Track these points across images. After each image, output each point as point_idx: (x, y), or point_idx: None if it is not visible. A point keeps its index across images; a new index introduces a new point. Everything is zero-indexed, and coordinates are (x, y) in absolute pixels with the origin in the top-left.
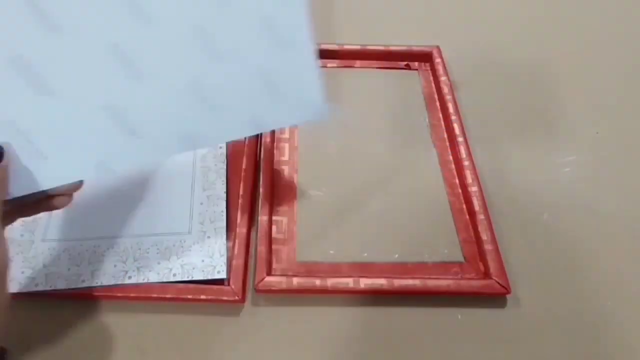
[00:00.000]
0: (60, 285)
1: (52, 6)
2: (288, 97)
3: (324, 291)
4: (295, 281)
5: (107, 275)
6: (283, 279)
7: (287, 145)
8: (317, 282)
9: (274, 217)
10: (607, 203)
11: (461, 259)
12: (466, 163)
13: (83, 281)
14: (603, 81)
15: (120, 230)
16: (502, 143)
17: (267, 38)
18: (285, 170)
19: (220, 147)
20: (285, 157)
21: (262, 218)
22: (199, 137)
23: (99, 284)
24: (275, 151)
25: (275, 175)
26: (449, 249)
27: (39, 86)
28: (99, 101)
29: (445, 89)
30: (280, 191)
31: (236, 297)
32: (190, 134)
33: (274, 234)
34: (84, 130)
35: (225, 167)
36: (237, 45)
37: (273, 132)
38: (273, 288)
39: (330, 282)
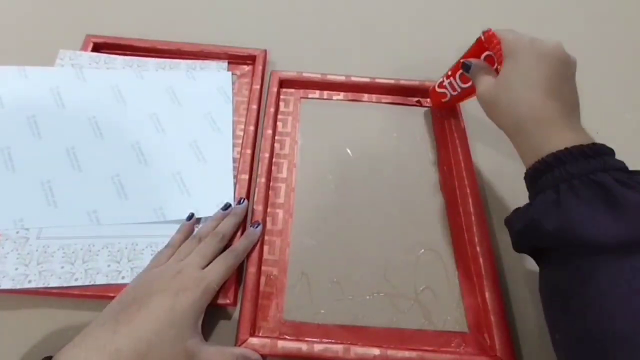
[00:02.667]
0: (54, 283)
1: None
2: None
3: (310, 357)
4: (280, 345)
5: (101, 274)
6: (267, 342)
7: (283, 186)
8: (304, 347)
9: (263, 268)
10: None
11: (465, 328)
12: (474, 218)
13: (76, 280)
14: (603, 81)
15: (116, 230)
16: (503, 143)
17: (192, 154)
18: (280, 214)
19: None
20: (281, 200)
21: (250, 270)
22: (166, 212)
23: (92, 283)
24: (270, 192)
25: (267, 218)
26: (452, 315)
27: (76, 165)
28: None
29: (458, 132)
30: (273, 236)
31: (228, 301)
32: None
33: (261, 287)
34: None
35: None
36: (165, 157)
37: (270, 172)
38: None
39: (318, 348)
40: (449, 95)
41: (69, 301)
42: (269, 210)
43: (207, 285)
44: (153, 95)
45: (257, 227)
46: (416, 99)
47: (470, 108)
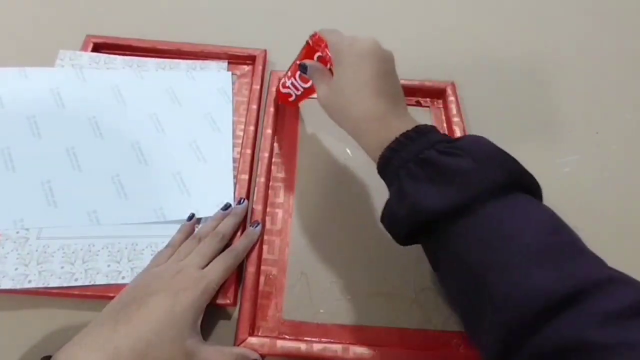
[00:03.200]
0: (54, 283)
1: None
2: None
3: (309, 357)
4: (279, 345)
5: (101, 274)
6: (266, 341)
7: (282, 186)
8: (303, 347)
9: (262, 267)
10: (607, 203)
11: (464, 328)
12: None
13: (76, 280)
14: (603, 81)
15: (116, 230)
16: (502, 143)
17: (192, 154)
18: (279, 213)
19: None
20: (280, 199)
21: (249, 269)
22: (166, 212)
23: (92, 283)
24: (270, 191)
25: (268, 215)
26: (451, 315)
27: (76, 165)
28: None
29: (458, 132)
30: (272, 236)
31: (227, 301)
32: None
33: (260, 287)
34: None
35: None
36: (165, 157)
37: (269, 171)
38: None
39: (317, 347)
40: (294, 95)
41: (69, 301)
42: (268, 209)
43: (207, 285)
44: (153, 96)
45: (256, 226)
46: (415, 99)
47: (469, 106)
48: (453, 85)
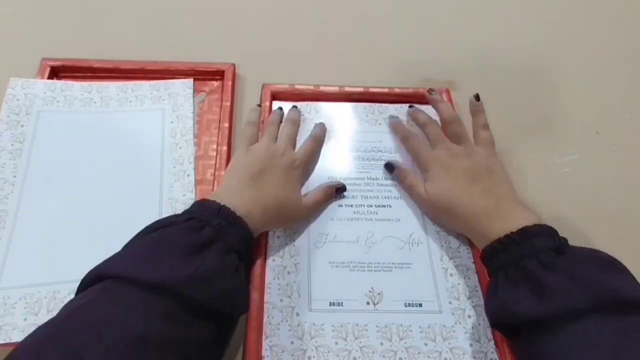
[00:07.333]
0: (16, 337)
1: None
2: None
3: None
4: None
5: (17, 330)
6: None
7: None
8: None
9: None
10: (607, 203)
11: None
12: None
13: None
14: (603, 81)
15: (84, 272)
16: (502, 143)
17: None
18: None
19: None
20: None
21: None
22: None
23: (7, 341)
24: None
25: None
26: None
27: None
28: None
29: None
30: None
31: None
32: None
33: None
34: None
35: None
36: None
37: None
38: None
39: None
40: None
41: None
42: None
43: (298, 165)
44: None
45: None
46: (409, 105)
47: (466, 105)
48: (448, 91)
